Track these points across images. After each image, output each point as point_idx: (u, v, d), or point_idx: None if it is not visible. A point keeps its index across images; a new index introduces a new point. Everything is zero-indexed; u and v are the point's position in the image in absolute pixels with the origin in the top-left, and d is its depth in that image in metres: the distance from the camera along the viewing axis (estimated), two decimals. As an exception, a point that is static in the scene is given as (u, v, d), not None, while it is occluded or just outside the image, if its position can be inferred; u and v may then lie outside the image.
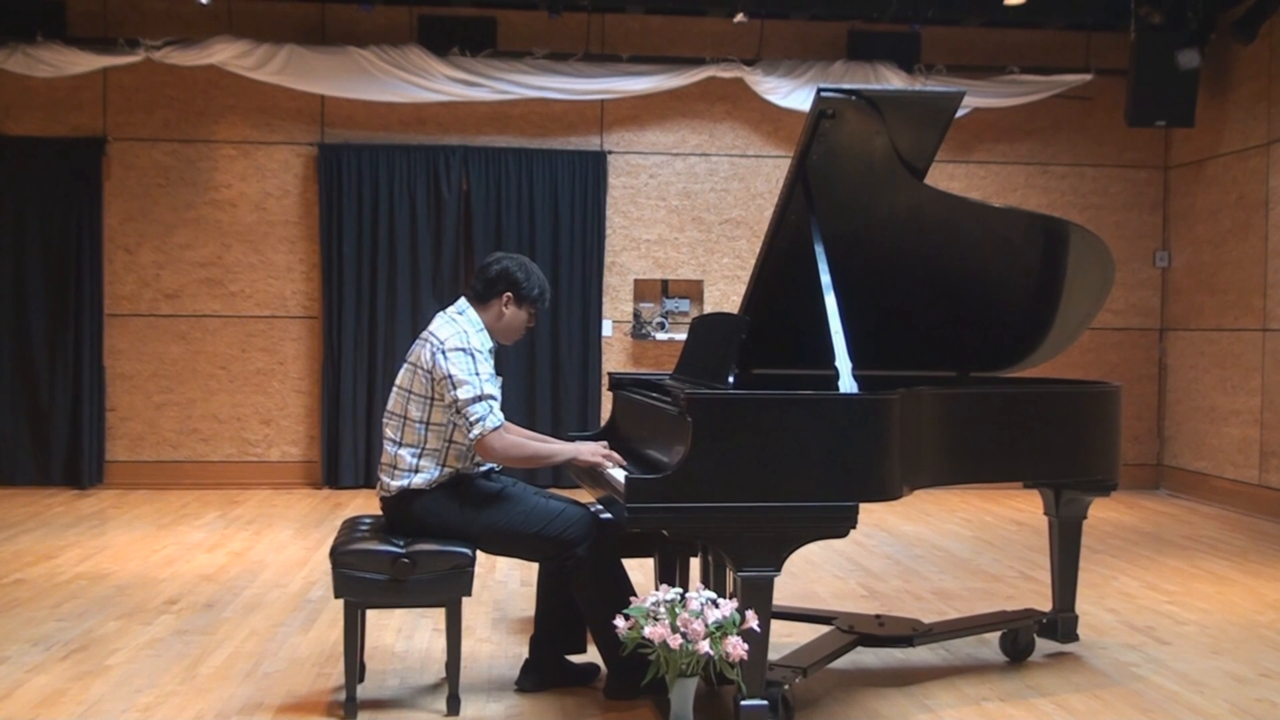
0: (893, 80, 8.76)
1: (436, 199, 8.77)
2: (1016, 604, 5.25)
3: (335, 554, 3.80)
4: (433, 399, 3.87)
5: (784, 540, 3.51)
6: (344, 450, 8.71)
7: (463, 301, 4.05)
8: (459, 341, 3.86)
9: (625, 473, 3.64)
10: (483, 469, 4.05)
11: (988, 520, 7.77)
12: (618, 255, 9.08)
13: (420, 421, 3.89)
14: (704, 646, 3.35)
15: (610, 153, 9.02)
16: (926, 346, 4.60)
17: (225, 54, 8.34)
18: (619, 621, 3.48)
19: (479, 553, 3.88)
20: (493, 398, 3.83)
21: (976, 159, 9.34)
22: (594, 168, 8.94)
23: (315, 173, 8.77)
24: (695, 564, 4.49)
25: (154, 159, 8.75)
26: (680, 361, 4.46)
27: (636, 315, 9.05)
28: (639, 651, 3.45)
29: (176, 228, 8.77)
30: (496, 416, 3.82)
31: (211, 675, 4.22)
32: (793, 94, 8.71)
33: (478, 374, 3.82)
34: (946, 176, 9.03)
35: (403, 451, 3.90)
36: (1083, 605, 4.96)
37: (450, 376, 3.81)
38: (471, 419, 3.79)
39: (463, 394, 3.79)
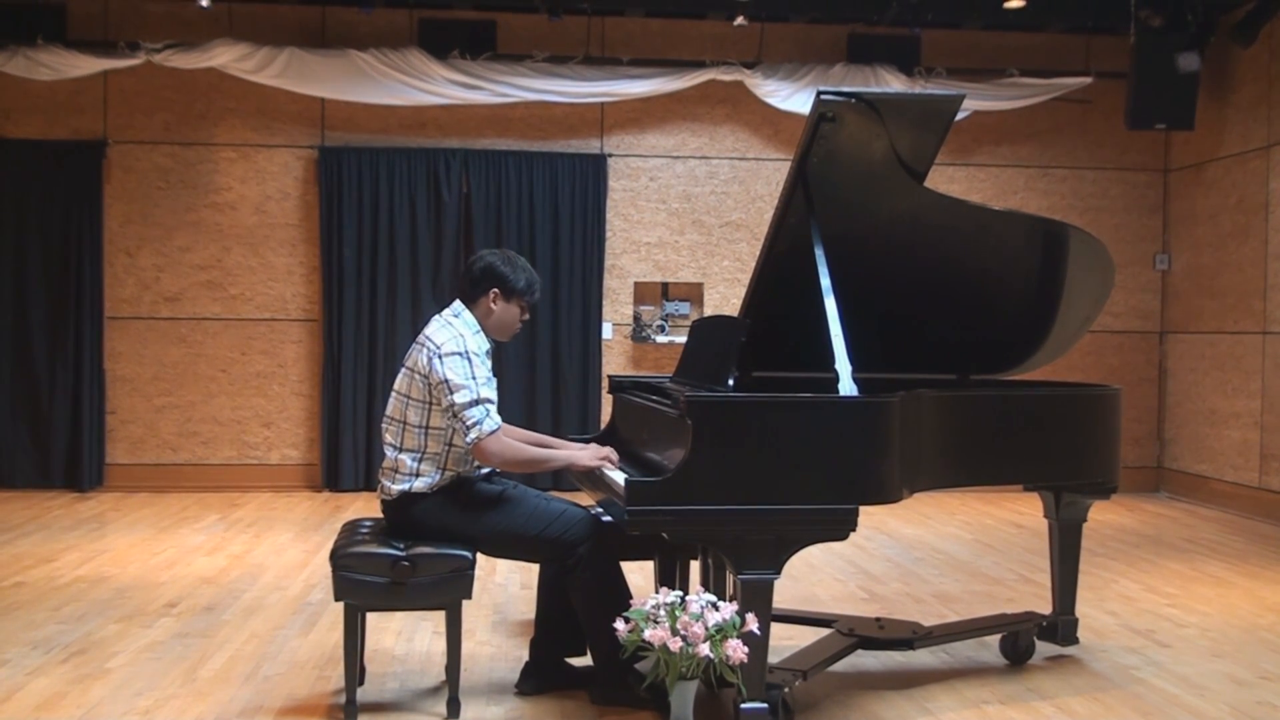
0: (893, 83, 8.76)
1: (437, 202, 8.78)
2: (1016, 607, 5.24)
3: (335, 557, 3.80)
4: (431, 403, 3.87)
5: (784, 543, 3.51)
6: (344, 453, 8.71)
7: (457, 304, 4.04)
8: (455, 345, 3.85)
9: (625, 475, 3.64)
10: (483, 472, 4.05)
11: (988, 523, 7.77)
12: (618, 258, 9.08)
13: (419, 426, 3.89)
14: (704, 649, 3.35)
15: (610, 155, 9.02)
16: (926, 349, 4.60)
17: (225, 57, 8.35)
18: (619, 624, 3.49)
19: (479, 555, 3.88)
20: (490, 401, 3.83)
21: (976, 162, 9.34)
22: (594, 170, 8.94)
23: (315, 175, 8.78)
24: (695, 567, 4.49)
25: (154, 162, 8.75)
26: (680, 364, 4.46)
27: (636, 318, 9.05)
28: (637, 654, 3.46)
29: (177, 230, 8.78)
30: (494, 420, 3.81)
31: (211, 678, 4.22)
32: (793, 97, 8.72)
33: (474, 377, 3.82)
34: (946, 179, 9.03)
35: (403, 456, 3.90)
36: (1083, 608, 4.97)
37: (447, 381, 3.81)
38: (468, 423, 3.78)
39: (459, 398, 3.79)
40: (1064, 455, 4.29)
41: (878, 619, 4.56)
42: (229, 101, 8.77)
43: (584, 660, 4.09)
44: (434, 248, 8.76)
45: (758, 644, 3.42)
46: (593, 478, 3.99)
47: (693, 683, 3.46)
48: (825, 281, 3.78)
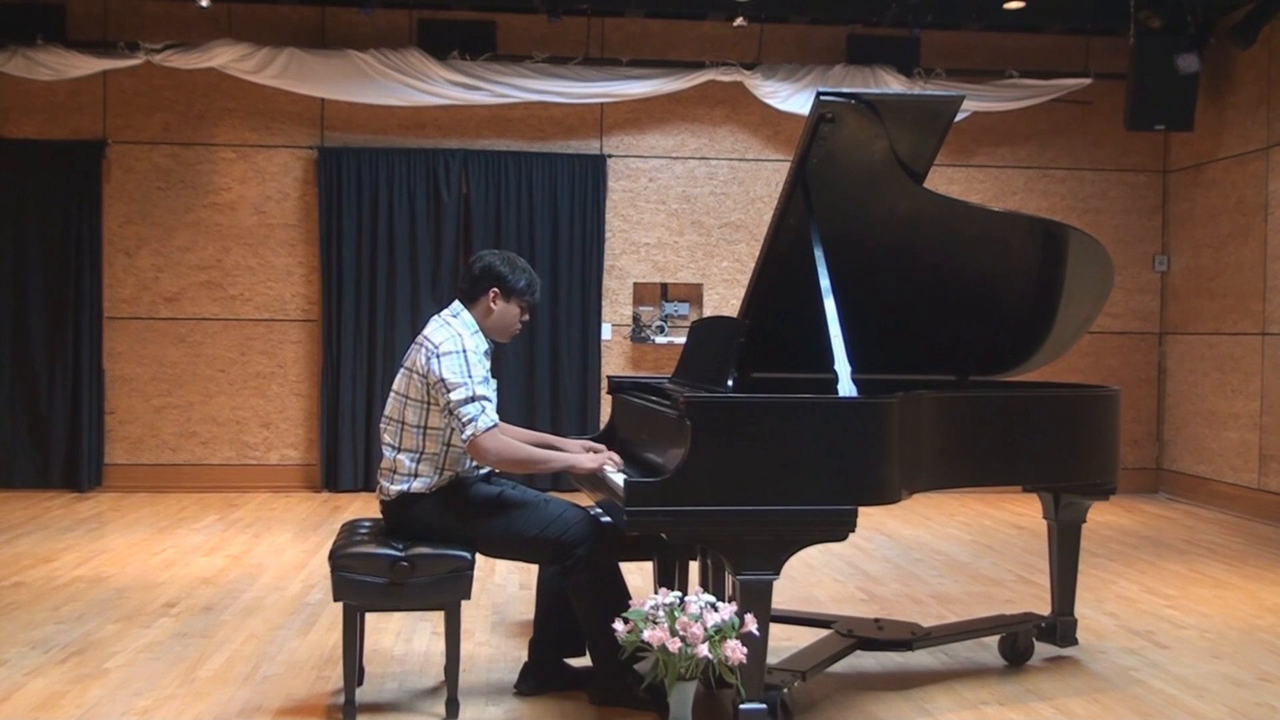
0: (892, 84, 8.76)
1: (436, 202, 8.78)
2: (1015, 608, 5.24)
3: (334, 557, 3.80)
4: (429, 403, 3.87)
5: (783, 544, 3.51)
6: (343, 453, 8.71)
7: (456, 304, 4.04)
8: (453, 345, 3.85)
9: (624, 476, 3.64)
10: (482, 472, 4.05)
11: (987, 524, 7.77)
12: (617, 259, 9.08)
13: (417, 426, 3.88)
14: (703, 650, 3.35)
15: (610, 156, 9.03)
16: (926, 350, 4.60)
17: (225, 57, 8.35)
18: (618, 625, 3.49)
19: (478, 556, 3.88)
20: (486, 399, 3.82)
21: (976, 163, 9.34)
22: (593, 171, 8.95)
23: (315, 176, 8.78)
24: (694, 567, 4.49)
25: (154, 162, 8.76)
26: (679, 365, 4.46)
27: (636, 319, 9.05)
28: (636, 655, 3.45)
29: (176, 231, 8.77)
30: (489, 417, 3.80)
31: (210, 678, 4.22)
32: (792, 98, 8.72)
33: (470, 376, 3.81)
34: (946, 180, 9.04)
35: (401, 456, 3.90)
36: (1082, 609, 4.97)
37: (444, 380, 3.80)
38: (464, 420, 3.78)
39: (455, 395, 3.79)
40: (1063, 456, 4.29)
41: (876, 620, 4.56)
42: (228, 102, 8.77)
43: (583, 661, 4.09)
44: (433, 248, 8.76)
45: (756, 645, 3.42)
46: (593, 479, 3.98)
47: (692, 683, 3.46)
48: (824, 282, 3.78)
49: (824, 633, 4.39)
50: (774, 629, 3.77)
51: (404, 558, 3.75)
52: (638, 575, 4.72)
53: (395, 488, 3.90)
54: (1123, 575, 6.20)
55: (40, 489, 8.48)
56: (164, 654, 4.51)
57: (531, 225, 8.86)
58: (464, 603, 3.85)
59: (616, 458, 3.99)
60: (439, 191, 8.77)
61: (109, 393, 8.72)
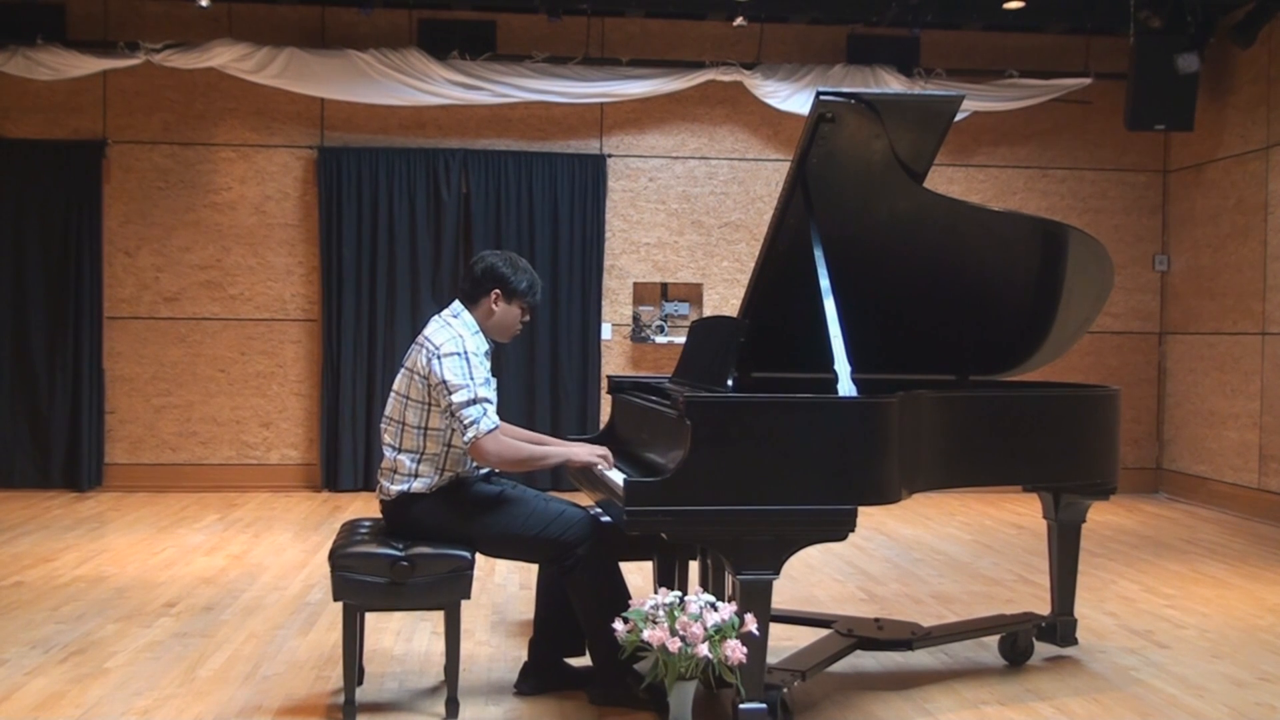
0: (892, 84, 8.76)
1: (436, 202, 8.78)
2: (1015, 607, 5.24)
3: (334, 557, 3.80)
4: (429, 404, 3.87)
5: (783, 543, 3.51)
6: (343, 453, 8.71)
7: (457, 304, 4.04)
8: (453, 346, 3.85)
9: (624, 475, 3.64)
10: (482, 472, 4.05)
11: (987, 524, 7.77)
12: (617, 258, 9.08)
13: (418, 427, 3.88)
14: (703, 650, 3.35)
15: (610, 156, 9.02)
16: (926, 350, 4.60)
17: (225, 57, 8.35)
18: (618, 625, 3.49)
19: (478, 555, 3.88)
20: (487, 401, 3.82)
21: (976, 162, 9.34)
22: (593, 171, 8.95)
23: (315, 176, 8.78)
24: (694, 567, 4.49)
25: (154, 162, 8.75)
26: (679, 365, 4.46)
27: (636, 318, 9.05)
28: (636, 654, 3.45)
29: (176, 230, 8.78)
30: (491, 419, 3.81)
31: (210, 678, 4.22)
32: (792, 97, 8.72)
33: (472, 378, 3.82)
34: (946, 180, 9.04)
35: (401, 457, 3.90)
36: (1082, 609, 4.97)
37: (445, 381, 3.80)
38: (465, 422, 3.78)
39: (457, 398, 3.79)
40: (1063, 456, 4.29)
41: (876, 619, 4.56)
42: (228, 101, 8.77)
43: (583, 660, 4.09)
44: (433, 248, 8.76)
45: (756, 644, 3.42)
46: (592, 478, 3.98)
47: (691, 683, 3.46)
48: (824, 282, 3.78)
49: (824, 632, 4.39)
50: (774, 629, 3.77)
51: (404, 557, 3.75)
52: (638, 575, 4.72)
53: (395, 488, 3.90)
54: (1123, 575, 6.20)
55: (40, 489, 8.48)
56: (164, 654, 4.51)
57: (532, 225, 8.86)
58: (464, 603, 3.85)
59: (609, 454, 3.99)
60: (439, 191, 8.77)
61: (109, 393, 8.72)
